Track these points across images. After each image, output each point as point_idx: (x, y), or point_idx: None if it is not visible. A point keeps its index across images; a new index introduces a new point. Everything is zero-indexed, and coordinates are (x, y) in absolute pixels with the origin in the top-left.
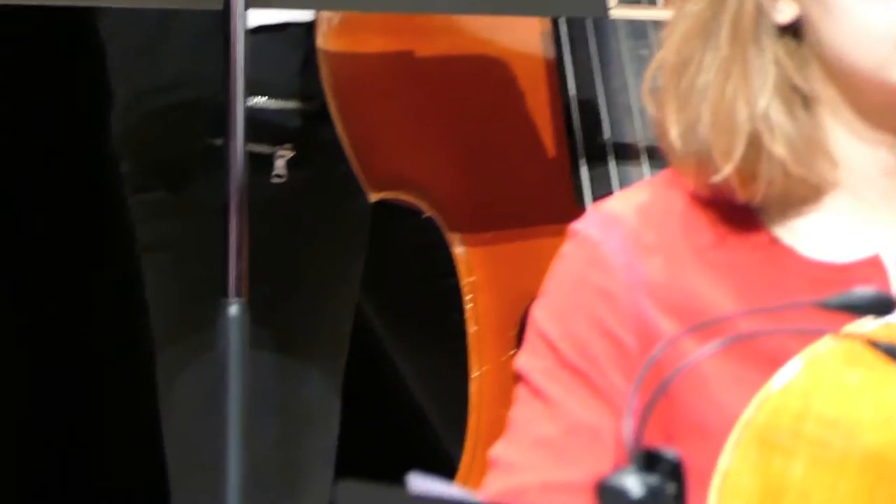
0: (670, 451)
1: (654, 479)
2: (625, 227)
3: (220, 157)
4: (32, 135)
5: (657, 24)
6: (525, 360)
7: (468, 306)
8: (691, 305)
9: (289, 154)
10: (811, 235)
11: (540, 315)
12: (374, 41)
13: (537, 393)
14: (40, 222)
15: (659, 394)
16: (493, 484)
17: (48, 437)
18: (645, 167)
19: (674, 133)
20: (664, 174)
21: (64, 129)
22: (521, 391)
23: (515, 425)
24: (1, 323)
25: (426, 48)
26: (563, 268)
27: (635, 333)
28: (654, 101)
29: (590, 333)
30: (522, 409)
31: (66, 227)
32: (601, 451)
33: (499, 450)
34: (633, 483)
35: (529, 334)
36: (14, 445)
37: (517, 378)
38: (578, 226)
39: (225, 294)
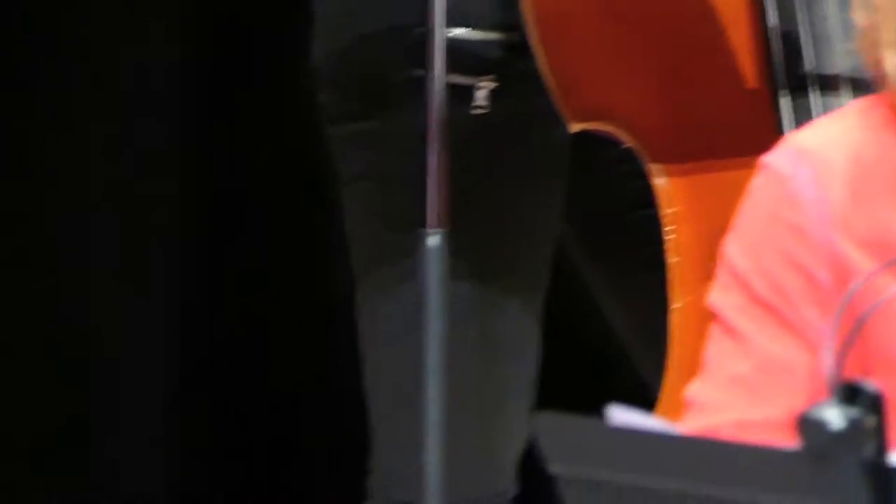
0: (870, 383)
1: (854, 412)
2: (816, 159)
3: (422, 88)
4: (230, 61)
5: None
6: (717, 297)
7: (669, 237)
8: (886, 240)
9: (490, 85)
10: None
11: (731, 250)
12: None
13: (730, 330)
14: (236, 156)
15: (858, 329)
16: (689, 424)
17: (246, 366)
18: (846, 98)
19: (890, 61)
20: (860, 103)
21: (263, 56)
22: (714, 328)
23: (709, 363)
24: (204, 252)
25: None
26: (753, 202)
27: (828, 268)
28: (866, 25)
29: (782, 268)
30: (716, 347)
31: (262, 158)
32: (795, 388)
33: (694, 389)
34: (835, 415)
35: (721, 270)
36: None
37: (711, 314)
38: (769, 159)
39: (425, 224)
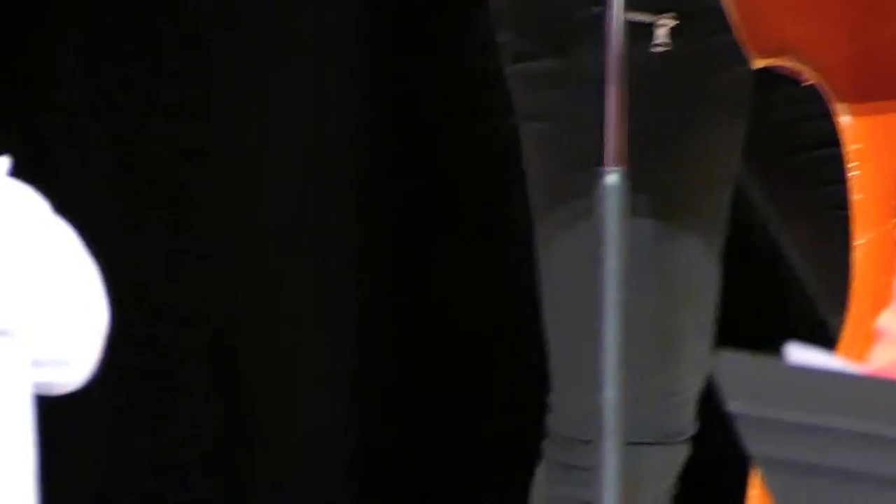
0: None
1: None
2: None
3: (601, 26)
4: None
5: None
6: None
7: (853, 174)
8: None
9: (671, 23)
10: None
11: None
12: None
13: None
14: (412, 93)
15: None
16: (879, 356)
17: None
18: None
19: None
20: None
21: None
22: None
23: None
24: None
25: None
26: None
27: None
28: None
29: None
30: None
31: (437, 99)
32: None
33: (885, 320)
34: None
35: None
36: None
37: None
38: None
39: (603, 163)
